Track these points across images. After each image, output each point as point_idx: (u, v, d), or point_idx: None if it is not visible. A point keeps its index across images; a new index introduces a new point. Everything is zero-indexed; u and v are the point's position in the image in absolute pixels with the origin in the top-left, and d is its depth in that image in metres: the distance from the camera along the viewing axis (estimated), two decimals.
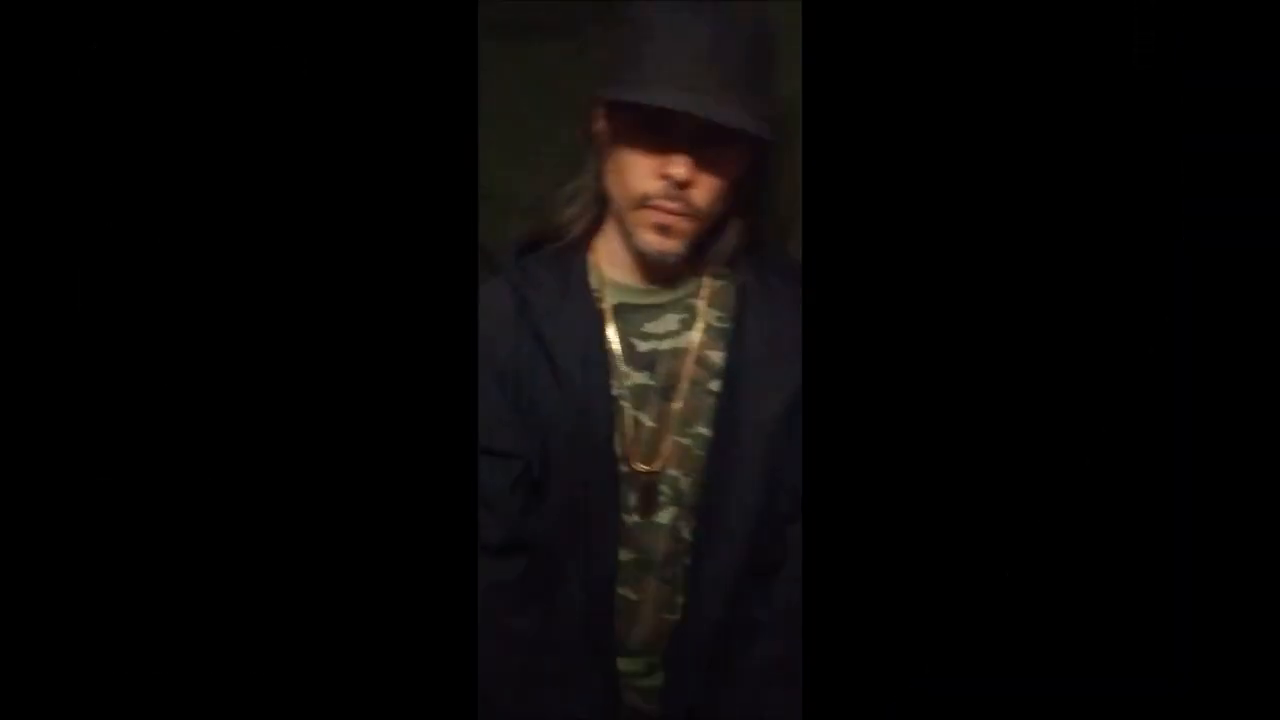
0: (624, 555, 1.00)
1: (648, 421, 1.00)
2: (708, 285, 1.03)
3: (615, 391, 0.99)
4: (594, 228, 1.03)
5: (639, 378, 1.01)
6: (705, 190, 0.95)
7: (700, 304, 1.03)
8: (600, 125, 0.98)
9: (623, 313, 1.02)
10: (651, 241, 0.97)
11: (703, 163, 0.94)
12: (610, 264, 1.03)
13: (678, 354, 1.01)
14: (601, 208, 1.01)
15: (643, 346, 1.01)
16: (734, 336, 1.01)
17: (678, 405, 1.00)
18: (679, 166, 0.92)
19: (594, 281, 1.02)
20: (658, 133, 0.93)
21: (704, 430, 1.00)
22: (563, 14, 1.31)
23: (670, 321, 1.02)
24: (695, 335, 1.02)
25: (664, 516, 1.00)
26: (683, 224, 0.96)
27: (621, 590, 1.00)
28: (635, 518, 1.00)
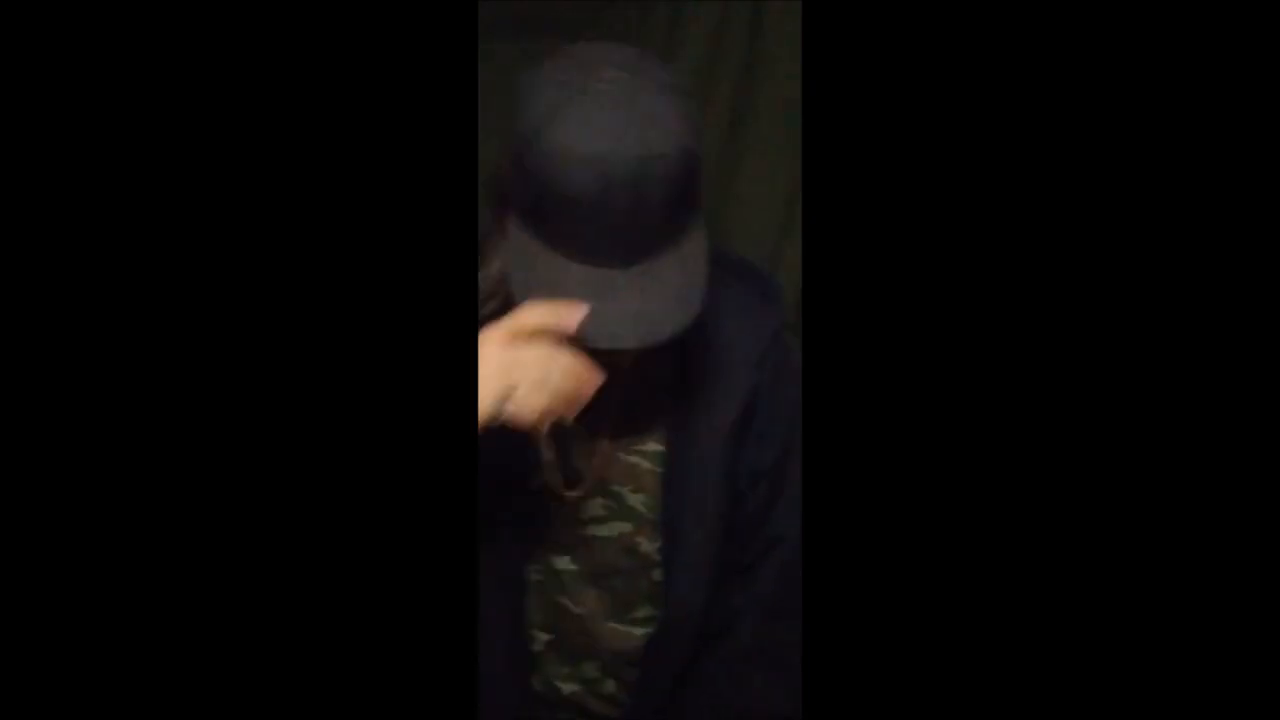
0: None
1: (575, 608, 1.00)
2: (640, 466, 0.99)
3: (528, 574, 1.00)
4: None
5: (560, 562, 1.00)
6: None
7: (625, 490, 1.00)
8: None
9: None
10: None
11: None
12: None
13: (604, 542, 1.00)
14: None
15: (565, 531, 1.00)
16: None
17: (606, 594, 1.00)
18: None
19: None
20: None
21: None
22: (563, 14, 1.32)
23: (595, 507, 1.00)
24: (622, 525, 1.00)
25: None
26: None
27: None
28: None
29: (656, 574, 0.98)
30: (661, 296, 0.81)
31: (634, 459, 0.97)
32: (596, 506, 0.98)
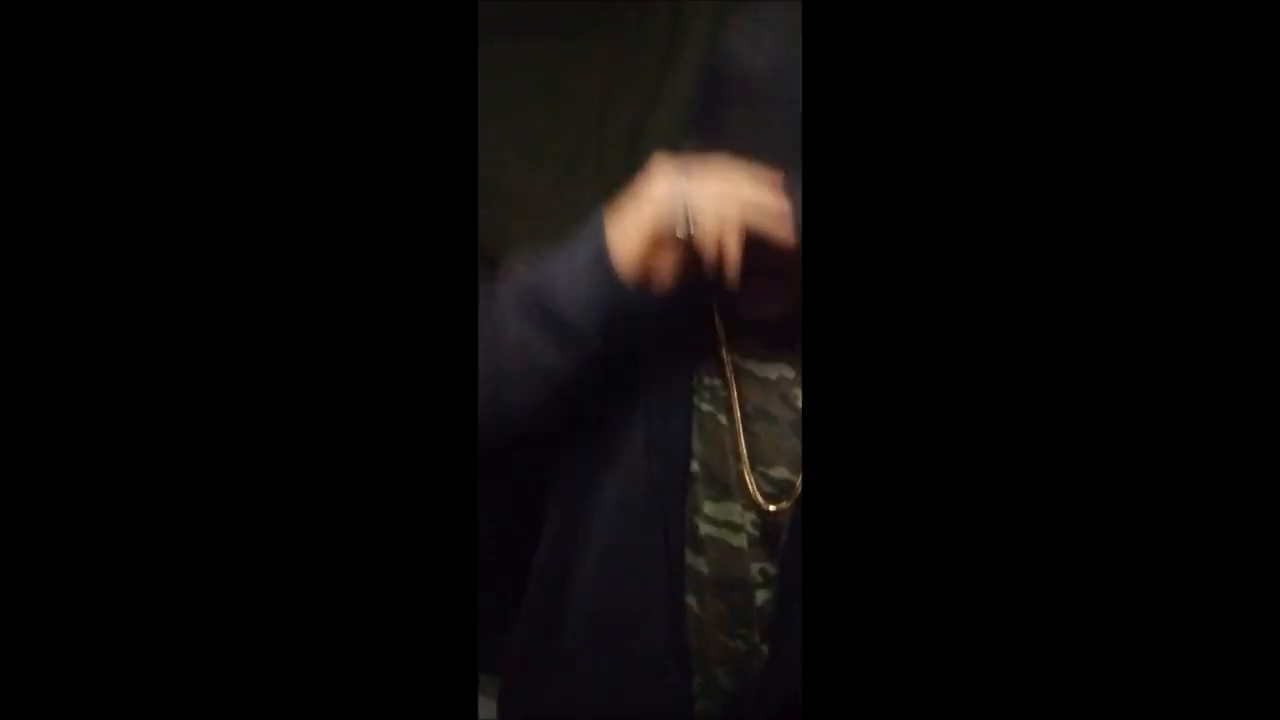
0: (696, 565, 0.95)
1: (724, 437, 0.95)
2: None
3: (694, 388, 0.95)
4: None
5: (717, 385, 0.96)
6: None
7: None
8: None
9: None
10: None
11: None
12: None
13: (762, 382, 0.96)
14: None
15: (726, 358, 0.95)
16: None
17: (754, 437, 0.95)
18: None
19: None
20: None
21: (784, 472, 0.95)
22: (563, 14, 1.31)
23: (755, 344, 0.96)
24: (783, 368, 0.96)
25: (740, 540, 0.95)
26: None
27: (687, 599, 0.95)
28: (709, 528, 0.95)
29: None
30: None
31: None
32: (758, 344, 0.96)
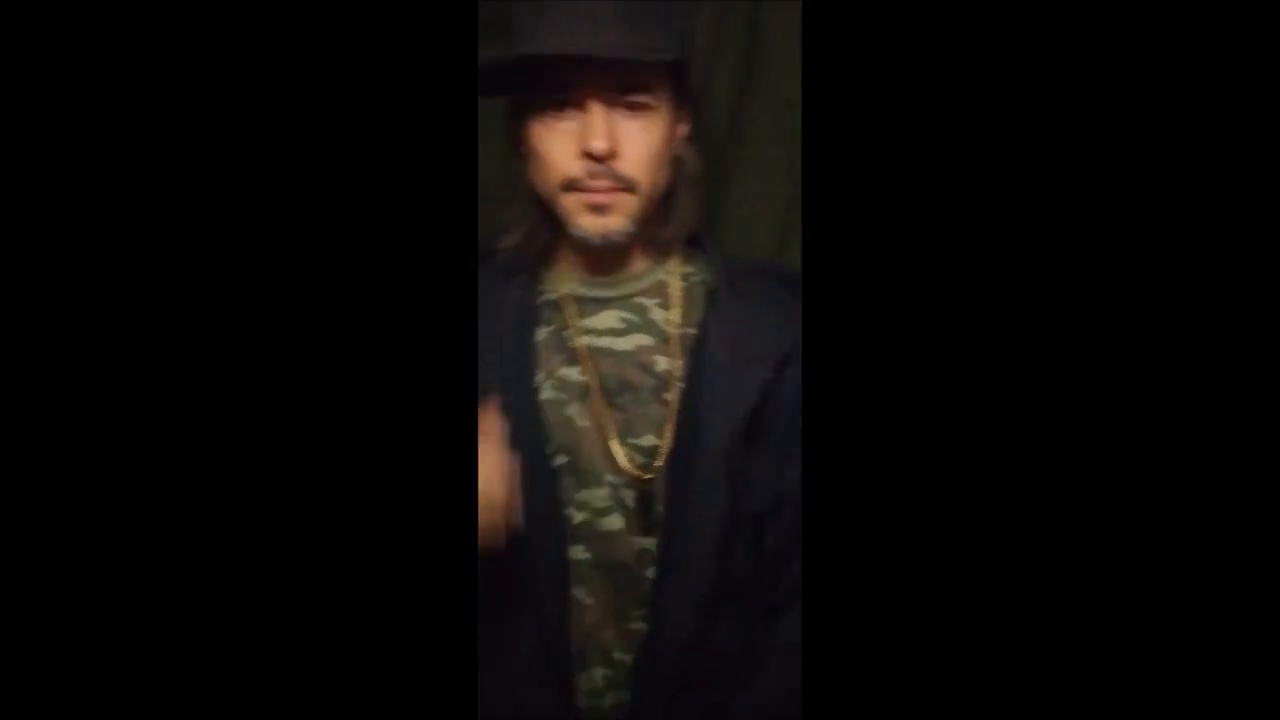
0: (576, 554, 0.94)
1: (580, 421, 0.94)
2: (671, 285, 0.97)
3: (538, 384, 0.94)
4: (550, 240, 0.96)
5: (570, 373, 0.95)
6: (634, 160, 0.89)
7: (651, 304, 0.97)
8: (512, 122, 0.92)
9: (563, 305, 0.96)
10: (588, 224, 0.90)
11: (624, 129, 0.88)
12: (565, 261, 0.97)
13: (619, 355, 0.96)
14: (544, 213, 0.94)
15: (578, 341, 0.95)
16: (695, 344, 0.95)
17: (618, 411, 0.94)
18: (596, 138, 0.86)
19: (545, 280, 0.97)
20: (566, 103, 0.87)
21: (652, 439, 0.95)
22: None
23: (610, 319, 0.96)
24: (641, 338, 0.96)
25: (614, 523, 0.94)
26: (619, 200, 0.89)
27: (576, 592, 0.94)
28: (582, 515, 0.94)
29: (668, 394, 0.94)
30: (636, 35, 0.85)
31: (662, 275, 0.96)
32: (614, 319, 0.96)
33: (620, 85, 0.87)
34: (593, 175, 0.88)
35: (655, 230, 0.95)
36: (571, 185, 0.89)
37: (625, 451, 0.93)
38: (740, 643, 0.95)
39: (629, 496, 0.94)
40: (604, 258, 0.95)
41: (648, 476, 0.93)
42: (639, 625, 0.94)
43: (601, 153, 0.87)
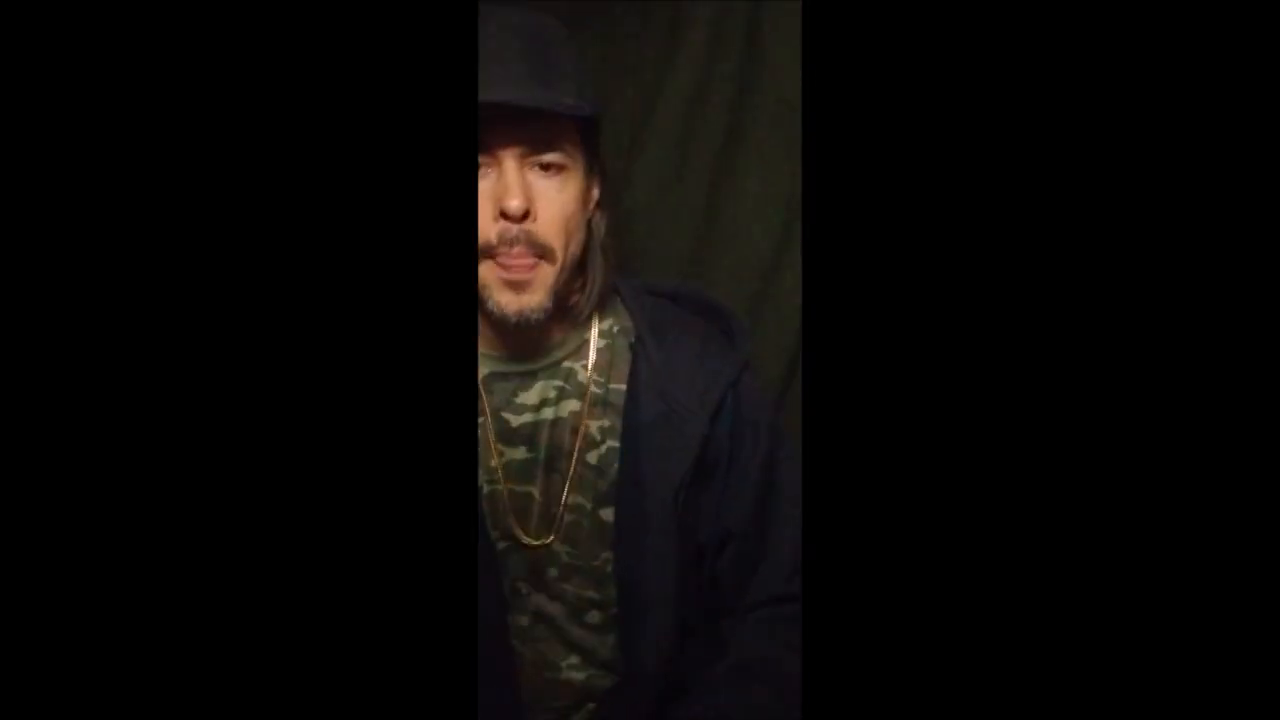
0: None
1: (537, 495, 0.96)
2: (590, 346, 0.98)
3: (490, 469, 0.95)
4: None
5: (516, 453, 0.96)
6: (548, 223, 0.88)
7: (577, 367, 0.97)
8: None
9: (490, 384, 0.96)
10: (506, 303, 0.89)
11: (538, 188, 0.88)
12: (482, 338, 0.95)
13: (557, 424, 0.96)
14: None
15: (516, 421, 0.96)
16: (626, 400, 0.96)
17: (556, 478, 0.96)
18: (512, 197, 0.86)
19: None
20: (483, 161, 0.87)
21: (584, 501, 0.96)
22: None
23: (545, 389, 0.96)
24: (574, 404, 0.96)
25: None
26: (537, 274, 0.89)
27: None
28: (525, 588, 0.97)
29: (600, 456, 0.96)
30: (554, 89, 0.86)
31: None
32: (548, 388, 0.96)
33: (533, 142, 0.87)
34: (509, 242, 0.87)
35: (570, 299, 0.95)
36: (488, 254, 0.88)
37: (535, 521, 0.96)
38: (698, 667, 0.98)
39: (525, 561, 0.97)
40: (521, 333, 0.94)
41: (538, 544, 0.95)
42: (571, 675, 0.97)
43: (516, 212, 0.86)
